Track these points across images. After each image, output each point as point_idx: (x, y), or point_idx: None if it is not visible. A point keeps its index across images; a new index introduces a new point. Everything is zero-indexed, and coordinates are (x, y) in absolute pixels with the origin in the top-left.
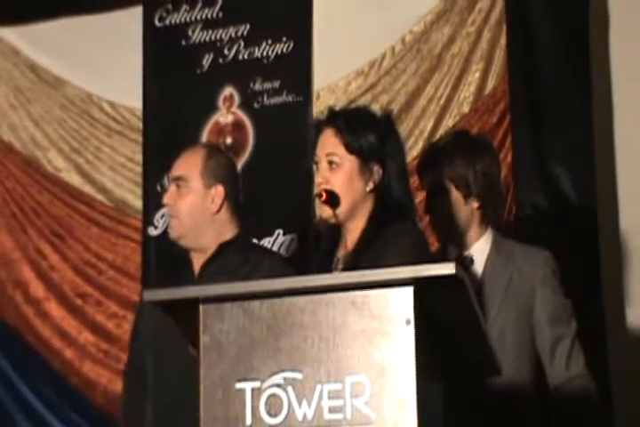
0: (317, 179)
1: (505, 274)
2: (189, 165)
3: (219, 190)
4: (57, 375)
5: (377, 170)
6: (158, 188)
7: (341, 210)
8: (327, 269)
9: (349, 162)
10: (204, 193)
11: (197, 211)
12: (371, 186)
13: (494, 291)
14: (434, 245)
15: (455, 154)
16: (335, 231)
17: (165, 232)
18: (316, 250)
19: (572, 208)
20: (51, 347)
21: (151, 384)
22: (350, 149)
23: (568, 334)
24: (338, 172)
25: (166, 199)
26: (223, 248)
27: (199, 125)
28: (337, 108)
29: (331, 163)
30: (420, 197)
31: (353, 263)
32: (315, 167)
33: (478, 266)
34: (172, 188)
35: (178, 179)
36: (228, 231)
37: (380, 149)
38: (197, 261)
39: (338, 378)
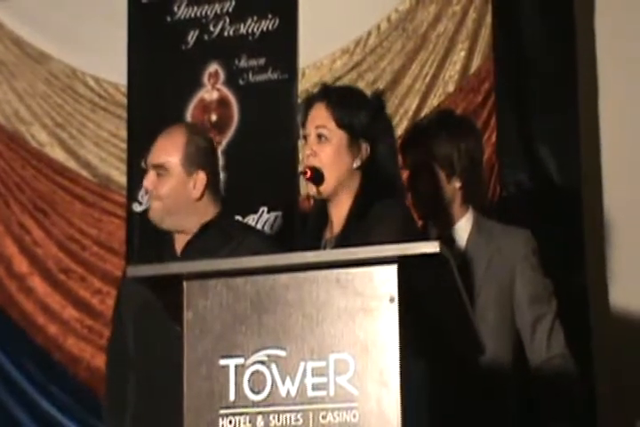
0: (305, 151)
1: (485, 253)
2: (168, 152)
3: (200, 177)
4: (40, 351)
5: (365, 147)
6: (143, 164)
7: (327, 185)
8: (315, 249)
9: (338, 136)
10: (186, 180)
11: (180, 197)
12: (358, 163)
13: (475, 270)
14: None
15: (439, 133)
16: (321, 209)
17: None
18: (302, 228)
19: (557, 188)
20: (34, 322)
21: (134, 360)
22: (340, 123)
23: (548, 314)
24: (326, 145)
25: (147, 184)
26: (205, 228)
27: (184, 102)
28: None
29: (320, 136)
30: (403, 175)
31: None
32: (303, 141)
33: (459, 245)
34: (152, 173)
35: (158, 167)
36: (209, 213)
37: (369, 127)
38: (179, 241)
39: (321, 355)
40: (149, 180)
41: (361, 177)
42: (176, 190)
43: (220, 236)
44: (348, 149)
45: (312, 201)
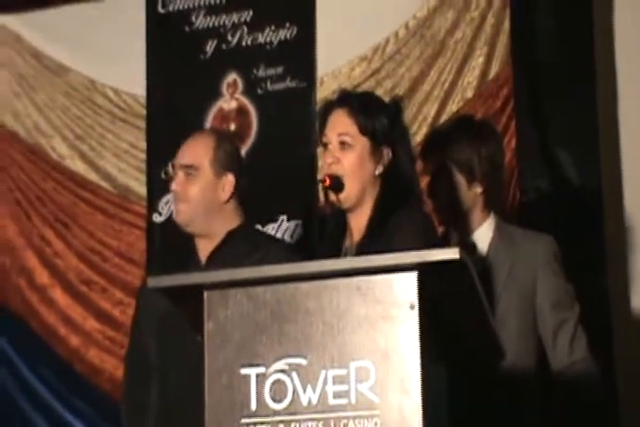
0: (327, 159)
1: (507, 259)
2: (198, 153)
3: (229, 179)
4: (62, 362)
5: (387, 153)
6: (162, 174)
7: (350, 193)
8: (335, 257)
9: (362, 143)
10: (215, 182)
11: (208, 198)
12: (380, 169)
13: (497, 276)
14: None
15: (460, 139)
16: (340, 217)
17: (170, 219)
18: (320, 237)
19: (576, 192)
20: (56, 334)
21: (156, 370)
22: (364, 130)
23: (571, 319)
24: (349, 152)
25: (175, 186)
26: (231, 236)
27: (203, 112)
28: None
29: (343, 143)
30: (423, 181)
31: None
32: (322, 148)
33: (481, 251)
34: (181, 175)
35: (187, 167)
36: (235, 219)
37: (390, 133)
38: (204, 249)
39: (342, 363)
40: (178, 181)
41: (381, 184)
42: (204, 192)
43: (245, 245)
44: (370, 155)
45: (330, 208)
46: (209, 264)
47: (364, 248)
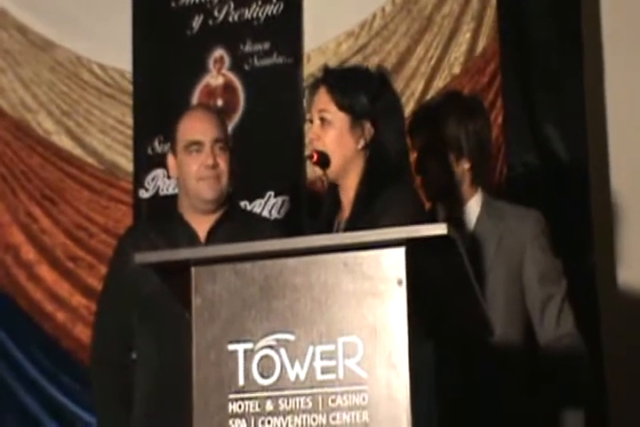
0: (309, 135)
1: (495, 234)
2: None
3: None
4: (49, 338)
5: (368, 127)
6: (149, 150)
7: (333, 166)
8: (326, 232)
9: (340, 119)
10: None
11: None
12: (362, 143)
13: (485, 251)
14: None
15: (447, 114)
16: (333, 193)
17: (156, 195)
18: (314, 213)
19: (564, 167)
20: (43, 310)
21: (140, 344)
22: (340, 105)
23: (558, 294)
24: (329, 129)
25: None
26: (226, 215)
27: (189, 88)
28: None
29: (322, 120)
30: (411, 157)
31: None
32: (309, 125)
33: (469, 226)
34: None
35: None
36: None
37: (371, 107)
38: (200, 226)
39: (330, 339)
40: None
41: (366, 157)
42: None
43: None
44: (350, 130)
45: (324, 184)
46: (209, 241)
47: (351, 224)
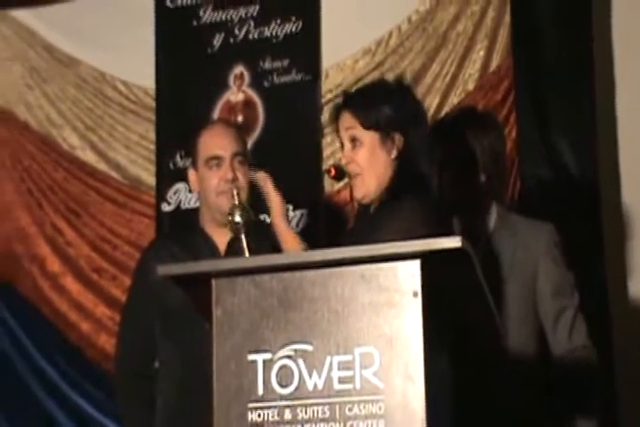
0: (343, 160)
1: (509, 247)
2: None
3: None
4: (73, 348)
5: (398, 137)
6: (171, 165)
7: (369, 189)
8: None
9: (369, 138)
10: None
11: None
12: (394, 153)
13: (499, 263)
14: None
15: (463, 129)
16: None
17: (178, 208)
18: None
19: (576, 182)
20: (67, 320)
21: (162, 354)
22: (367, 126)
23: (571, 306)
24: (360, 150)
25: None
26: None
27: (211, 104)
28: (349, 88)
29: (353, 141)
30: None
31: (366, 233)
32: (340, 147)
33: (483, 239)
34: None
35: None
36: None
37: (397, 117)
38: (220, 238)
39: (347, 350)
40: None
41: (395, 168)
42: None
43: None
44: (381, 146)
45: (355, 207)
46: (228, 253)
47: (370, 226)
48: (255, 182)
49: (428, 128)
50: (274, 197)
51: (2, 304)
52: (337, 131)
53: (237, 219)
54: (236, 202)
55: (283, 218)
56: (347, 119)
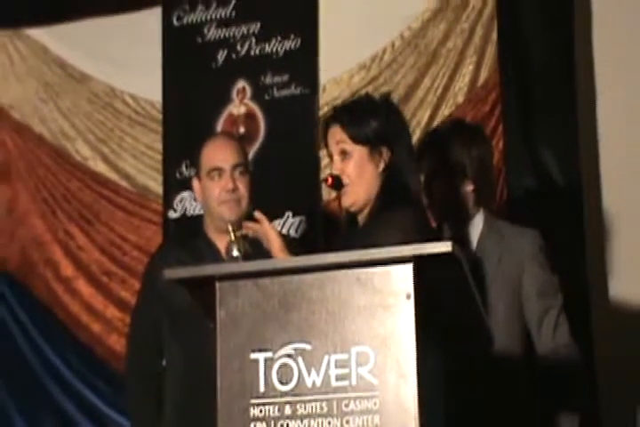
0: (333, 171)
1: (496, 251)
2: None
3: None
4: (85, 348)
5: (385, 151)
6: (177, 174)
7: (357, 198)
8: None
9: (358, 151)
10: None
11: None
12: (382, 166)
13: (487, 267)
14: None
15: (453, 140)
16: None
17: (184, 215)
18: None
19: (559, 190)
20: (79, 322)
21: (169, 353)
22: (356, 140)
23: (554, 307)
24: (349, 161)
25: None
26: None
27: (214, 116)
28: (340, 102)
29: (343, 153)
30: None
31: (360, 241)
32: (325, 153)
33: (472, 244)
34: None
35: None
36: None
37: (384, 132)
38: (223, 244)
39: (344, 349)
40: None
41: (383, 180)
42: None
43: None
44: (369, 158)
45: (344, 214)
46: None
47: (360, 234)
48: (251, 229)
49: (415, 141)
50: (272, 236)
51: (19, 307)
52: (326, 144)
53: (235, 253)
54: (232, 238)
55: (284, 253)
56: (337, 133)
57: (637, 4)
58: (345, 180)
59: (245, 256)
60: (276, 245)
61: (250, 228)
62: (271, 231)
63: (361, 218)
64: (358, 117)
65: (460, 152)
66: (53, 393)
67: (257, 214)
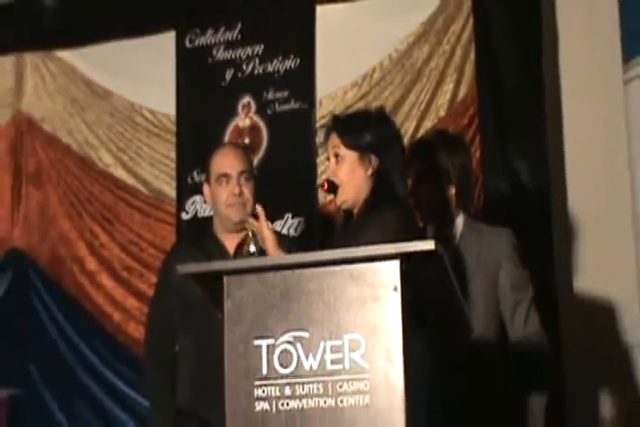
0: (328, 173)
1: (475, 249)
2: None
3: None
4: (108, 334)
5: (374, 158)
6: (189, 180)
7: (347, 197)
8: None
9: (350, 156)
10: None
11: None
12: (370, 171)
13: (467, 263)
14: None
15: (438, 149)
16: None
17: (196, 216)
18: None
19: (530, 194)
20: (103, 311)
21: (182, 340)
22: (349, 146)
23: (526, 299)
24: (342, 165)
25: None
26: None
27: (222, 128)
28: (338, 113)
29: (336, 157)
30: (408, 183)
31: (350, 237)
32: (323, 159)
33: (453, 242)
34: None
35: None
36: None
37: (374, 141)
38: (230, 242)
39: (338, 336)
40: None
41: (372, 183)
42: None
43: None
44: (359, 163)
45: (340, 212)
46: (235, 256)
47: (350, 231)
48: (252, 225)
49: (403, 151)
50: (266, 234)
51: (51, 301)
52: (326, 147)
53: (252, 249)
54: (250, 235)
55: (277, 249)
56: (334, 139)
57: (599, 29)
58: (336, 180)
59: (260, 252)
60: (269, 241)
61: (251, 224)
62: (265, 229)
63: (355, 217)
64: (353, 127)
65: (444, 160)
66: (81, 376)
67: (257, 208)
